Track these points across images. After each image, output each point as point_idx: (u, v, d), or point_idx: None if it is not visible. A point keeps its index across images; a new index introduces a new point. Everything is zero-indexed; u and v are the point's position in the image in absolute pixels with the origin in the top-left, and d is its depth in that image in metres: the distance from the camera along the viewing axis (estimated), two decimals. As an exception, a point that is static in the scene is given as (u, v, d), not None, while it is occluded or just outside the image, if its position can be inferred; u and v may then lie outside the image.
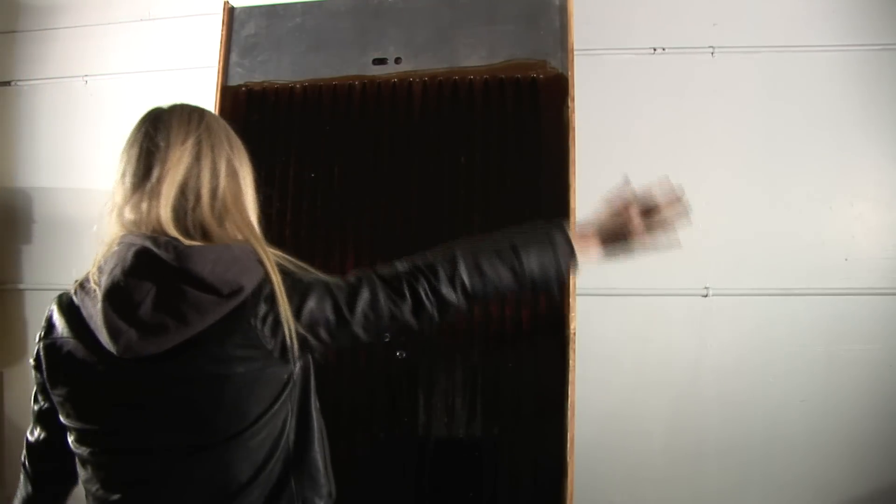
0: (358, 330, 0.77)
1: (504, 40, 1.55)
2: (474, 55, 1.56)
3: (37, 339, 0.80)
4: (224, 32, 1.68)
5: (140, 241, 0.73)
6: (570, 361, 1.41)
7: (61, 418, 0.79)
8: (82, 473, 0.79)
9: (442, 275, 0.78)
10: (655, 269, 1.84)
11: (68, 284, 0.80)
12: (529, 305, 1.46)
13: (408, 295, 0.78)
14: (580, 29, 1.56)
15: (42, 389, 0.82)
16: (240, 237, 0.78)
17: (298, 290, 0.75)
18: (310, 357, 0.82)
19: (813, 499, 1.77)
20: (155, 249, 0.72)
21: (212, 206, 0.76)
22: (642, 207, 0.84)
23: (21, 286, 2.19)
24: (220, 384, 0.73)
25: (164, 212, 0.74)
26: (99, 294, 0.72)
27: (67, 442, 0.80)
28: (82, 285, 0.77)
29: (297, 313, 0.74)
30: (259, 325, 0.73)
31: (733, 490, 1.80)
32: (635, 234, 0.84)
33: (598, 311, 1.81)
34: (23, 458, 0.89)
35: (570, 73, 1.50)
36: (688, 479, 1.81)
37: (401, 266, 0.80)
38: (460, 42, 1.57)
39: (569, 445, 1.39)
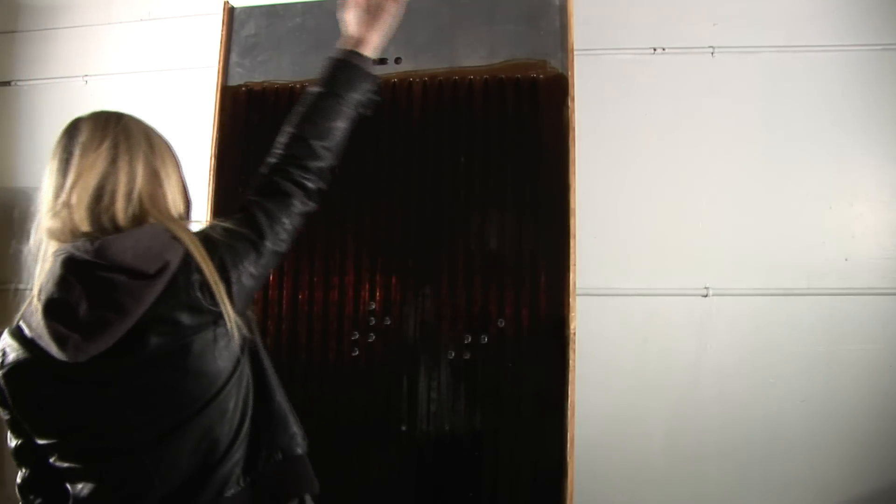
0: (275, 246, 0.82)
1: (504, 40, 1.55)
2: (474, 55, 1.56)
3: None
4: (224, 32, 1.68)
5: (64, 250, 0.74)
6: (570, 361, 1.41)
7: (38, 441, 0.78)
8: (75, 487, 0.78)
9: (299, 154, 0.85)
10: (655, 269, 1.84)
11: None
12: (529, 305, 1.46)
13: (290, 189, 0.83)
14: (580, 29, 1.56)
15: (13, 425, 0.81)
16: None
17: (216, 252, 0.77)
18: (250, 313, 0.85)
19: (813, 499, 1.77)
20: (75, 252, 0.73)
21: (126, 208, 0.77)
22: None
23: (21, 286, 2.19)
24: (182, 357, 0.74)
25: (79, 215, 0.75)
26: (39, 309, 0.73)
27: (53, 468, 0.79)
28: (24, 312, 0.78)
29: (224, 270, 0.77)
30: (198, 293, 0.74)
31: (733, 491, 1.80)
32: (384, 8, 0.93)
33: (598, 311, 1.81)
34: None
35: (570, 73, 1.51)
36: (688, 479, 1.81)
37: (263, 176, 0.86)
38: (460, 42, 1.57)
39: (569, 445, 1.39)
